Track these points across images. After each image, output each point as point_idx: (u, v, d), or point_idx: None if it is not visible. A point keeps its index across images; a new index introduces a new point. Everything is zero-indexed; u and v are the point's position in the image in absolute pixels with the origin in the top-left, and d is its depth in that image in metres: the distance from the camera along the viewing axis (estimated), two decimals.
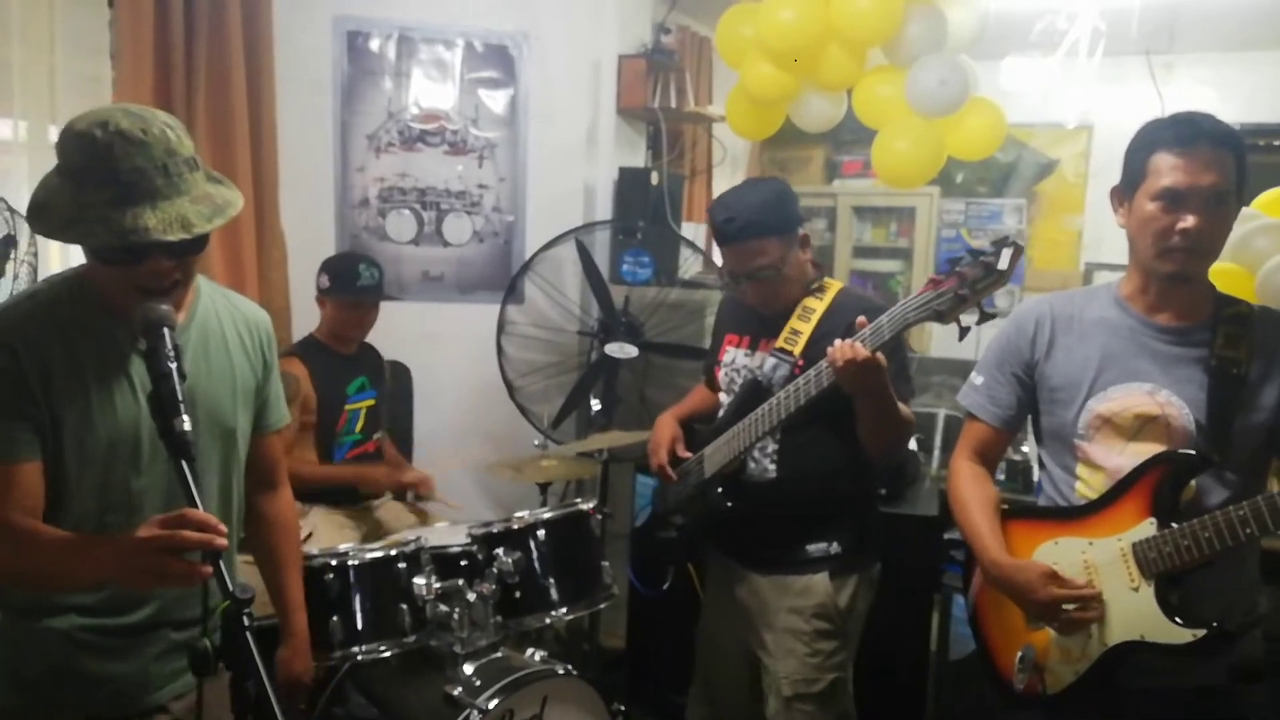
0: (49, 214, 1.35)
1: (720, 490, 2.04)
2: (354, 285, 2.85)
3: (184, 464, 1.28)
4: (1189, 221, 1.48)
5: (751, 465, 2.02)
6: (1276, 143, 4.52)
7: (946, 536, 2.57)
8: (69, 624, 1.45)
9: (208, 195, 1.39)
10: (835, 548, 1.98)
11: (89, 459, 1.42)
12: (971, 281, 1.53)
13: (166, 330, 1.37)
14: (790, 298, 2.00)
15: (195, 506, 1.26)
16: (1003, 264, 1.49)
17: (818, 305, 1.98)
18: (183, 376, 1.35)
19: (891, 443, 1.93)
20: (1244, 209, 2.77)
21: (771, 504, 2.00)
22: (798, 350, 1.94)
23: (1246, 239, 2.62)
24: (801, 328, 1.96)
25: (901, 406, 1.85)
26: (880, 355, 1.69)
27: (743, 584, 2.06)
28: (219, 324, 1.58)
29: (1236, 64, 4.36)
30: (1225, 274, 2.58)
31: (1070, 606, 1.54)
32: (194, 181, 1.37)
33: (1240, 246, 2.62)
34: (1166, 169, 1.49)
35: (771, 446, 1.99)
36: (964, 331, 1.61)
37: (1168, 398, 1.55)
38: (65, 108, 2.74)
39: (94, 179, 1.31)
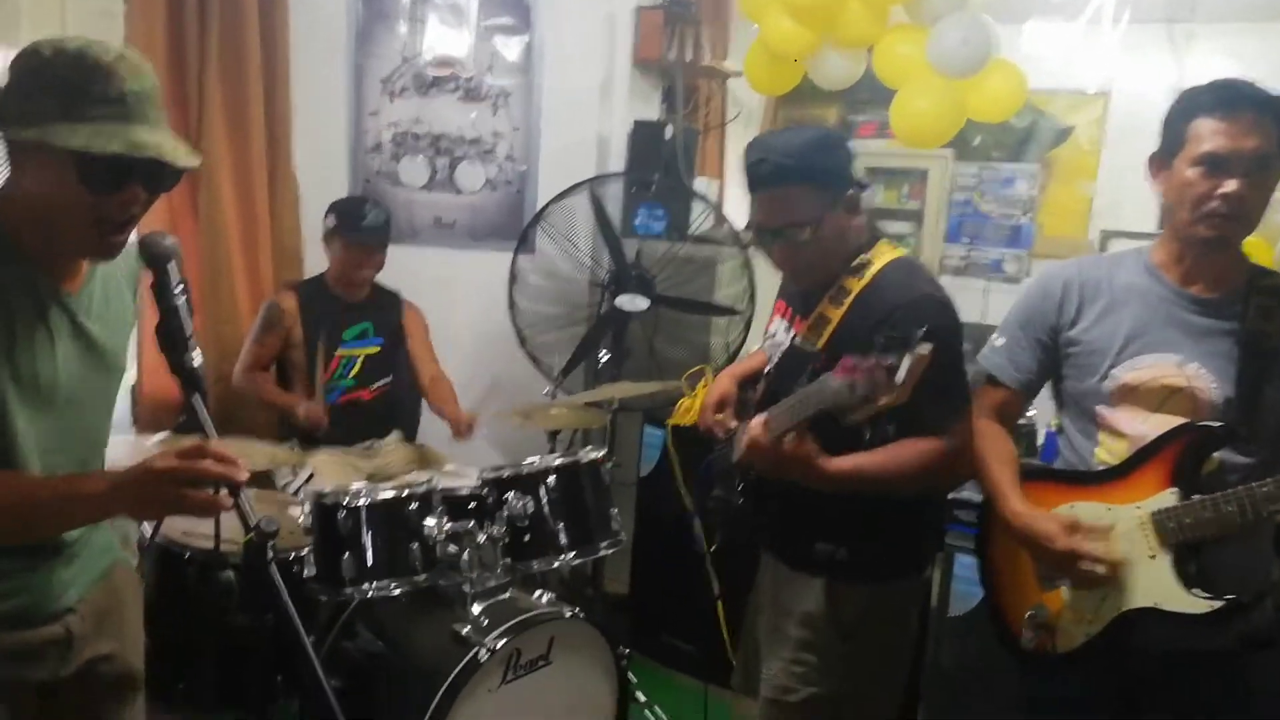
0: (30, 118, 1.23)
1: (740, 483, 1.85)
2: (358, 226, 2.85)
3: (199, 397, 1.29)
4: (1231, 186, 1.46)
5: None
6: None
7: (950, 496, 2.58)
8: None
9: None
10: (842, 553, 1.70)
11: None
12: (875, 382, 1.29)
13: (173, 263, 1.35)
14: (827, 271, 1.69)
15: (211, 439, 1.26)
16: (900, 374, 1.26)
17: (854, 286, 1.65)
18: (191, 310, 1.34)
19: (901, 492, 1.62)
20: None
21: (781, 497, 1.75)
22: (820, 343, 1.67)
23: (1269, 212, 2.61)
24: (831, 314, 1.66)
25: (903, 447, 1.58)
26: (795, 440, 1.45)
27: (764, 560, 1.92)
28: (111, 268, 1.48)
29: (1258, 35, 4.29)
30: (1246, 246, 2.58)
31: (1087, 563, 1.54)
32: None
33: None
34: (1207, 134, 1.48)
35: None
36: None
37: (1196, 370, 1.55)
38: None
39: (94, 96, 1.23)
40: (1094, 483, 1.63)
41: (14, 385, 1.31)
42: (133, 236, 1.38)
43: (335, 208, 2.91)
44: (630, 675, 2.39)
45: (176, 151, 1.29)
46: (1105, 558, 1.54)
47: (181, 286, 1.35)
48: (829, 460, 1.56)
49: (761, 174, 1.64)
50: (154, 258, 1.36)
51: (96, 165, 1.24)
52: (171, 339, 1.31)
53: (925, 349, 1.27)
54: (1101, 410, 1.64)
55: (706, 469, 2.06)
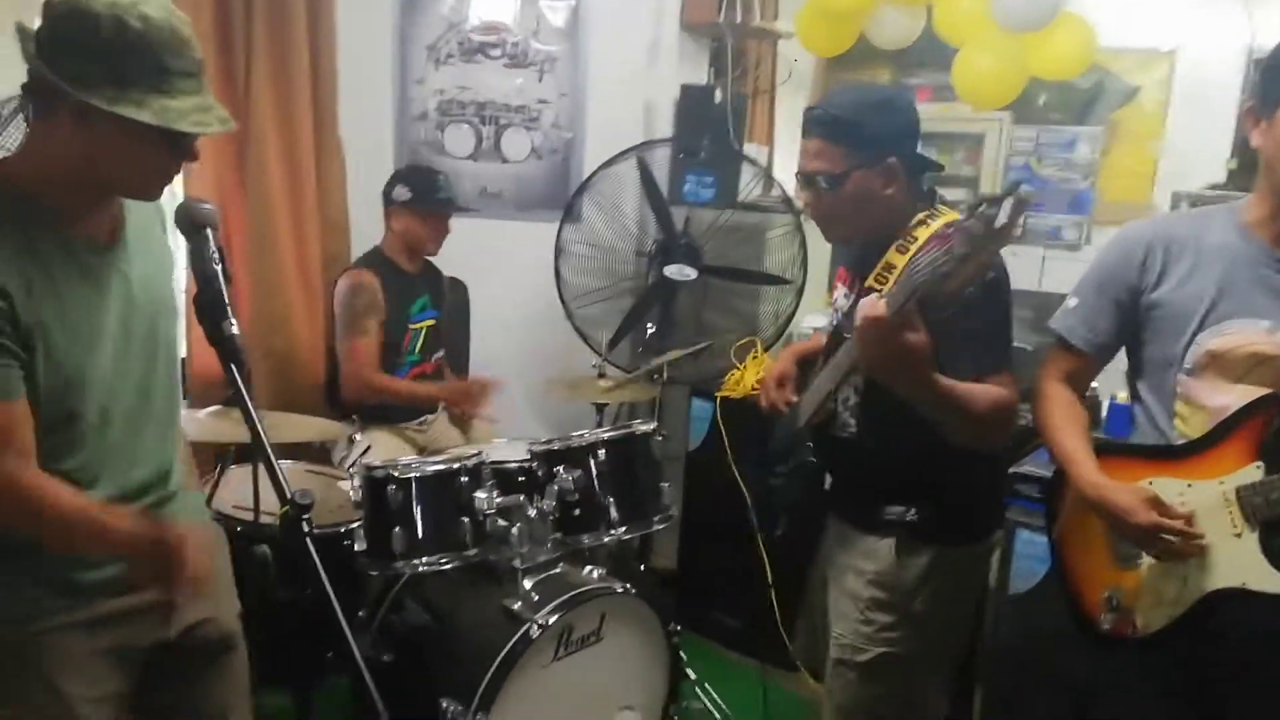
0: (112, 83, 1.22)
1: (809, 444, 1.89)
2: (435, 197, 2.83)
3: (234, 368, 1.27)
4: None
5: (836, 419, 1.81)
6: None
7: (1011, 470, 2.51)
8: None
9: None
10: (912, 514, 1.74)
11: (63, 375, 1.33)
12: (973, 238, 1.30)
13: (210, 230, 1.34)
14: (851, 227, 1.75)
15: (250, 413, 1.24)
16: (1001, 219, 1.26)
17: (922, 235, 1.64)
18: (228, 278, 1.32)
19: (969, 433, 1.60)
20: None
21: (851, 461, 1.82)
22: (889, 286, 1.62)
23: None
24: (897, 261, 1.65)
25: (986, 388, 1.57)
26: (906, 321, 1.41)
27: (831, 528, 1.93)
28: (139, 213, 1.48)
29: None
30: None
31: (1170, 537, 1.48)
32: None
33: None
34: None
35: (854, 399, 1.77)
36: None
37: None
38: None
39: (178, 69, 1.25)
40: (1172, 457, 1.56)
41: (75, 346, 1.32)
42: None
43: (406, 179, 2.86)
44: (681, 653, 2.36)
45: (230, 120, 1.33)
46: (1189, 531, 1.47)
47: (218, 254, 1.33)
48: (935, 371, 1.50)
49: (808, 121, 1.71)
50: (192, 225, 1.35)
51: (185, 136, 1.29)
52: (209, 307, 1.30)
53: (1024, 190, 1.27)
54: (1183, 379, 1.55)
55: (770, 449, 2.04)
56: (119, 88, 1.22)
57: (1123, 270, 1.62)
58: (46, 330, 1.29)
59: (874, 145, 1.65)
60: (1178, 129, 4.16)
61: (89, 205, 1.36)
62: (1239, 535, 1.45)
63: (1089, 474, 1.59)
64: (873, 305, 1.43)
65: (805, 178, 1.71)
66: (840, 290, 1.88)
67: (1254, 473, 1.45)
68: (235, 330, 1.30)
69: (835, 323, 1.88)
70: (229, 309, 1.31)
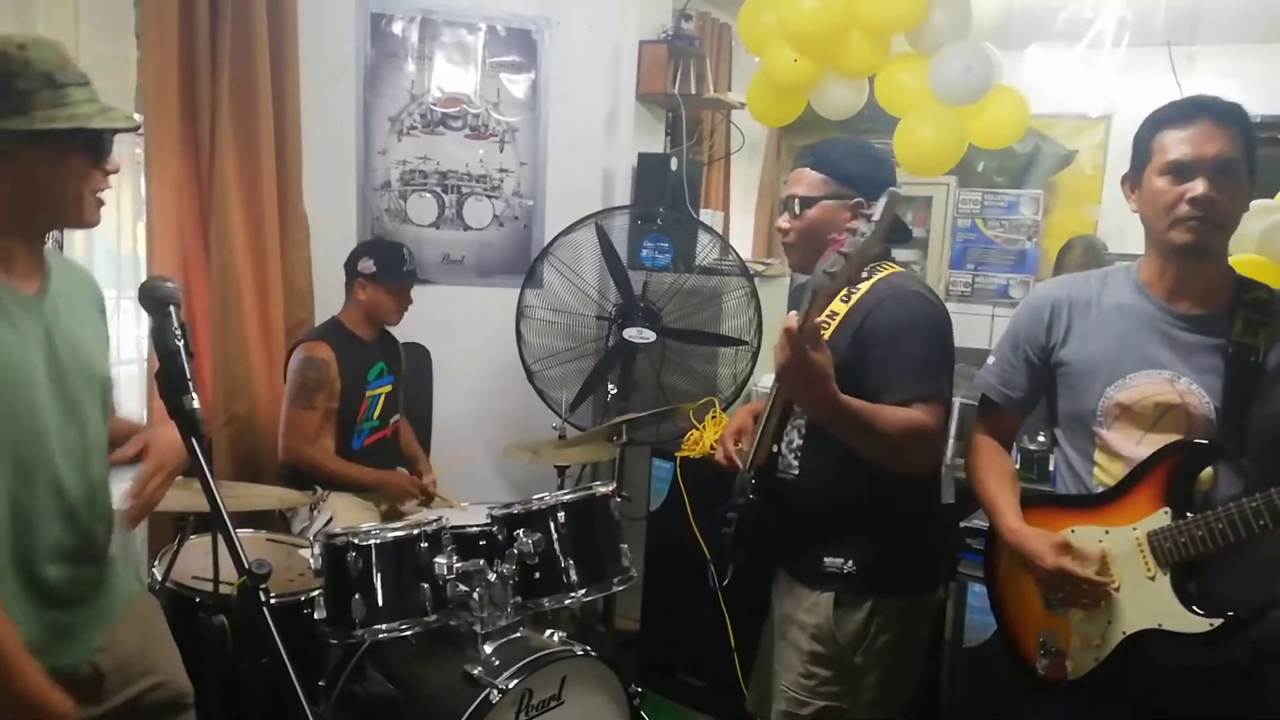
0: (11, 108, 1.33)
1: (752, 482, 1.89)
2: (401, 270, 2.91)
3: (195, 442, 1.30)
4: (1198, 189, 1.48)
5: (780, 460, 1.86)
6: None
7: (962, 525, 2.57)
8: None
9: None
10: (850, 566, 1.77)
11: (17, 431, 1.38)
12: (857, 238, 1.43)
13: (173, 308, 1.38)
14: (811, 253, 1.82)
15: (209, 484, 1.26)
16: (876, 214, 1.41)
17: (861, 288, 1.75)
18: (190, 354, 1.36)
19: (881, 453, 1.66)
20: (1269, 201, 2.77)
21: (793, 505, 1.83)
22: (826, 335, 1.73)
23: (1272, 231, 2.61)
24: (839, 309, 1.76)
25: (896, 410, 1.64)
26: (811, 337, 1.51)
27: (777, 579, 1.96)
28: (71, 281, 1.55)
29: (1258, 56, 4.31)
30: (1252, 266, 2.57)
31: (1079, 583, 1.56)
32: None
33: (1267, 238, 2.61)
34: (1171, 144, 1.51)
35: (797, 441, 1.83)
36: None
37: (1187, 386, 1.55)
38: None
39: (71, 80, 1.36)
40: (1091, 506, 1.64)
41: (25, 393, 1.36)
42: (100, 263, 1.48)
43: (371, 253, 2.92)
44: (643, 714, 2.37)
45: (134, 118, 1.46)
46: (1092, 578, 1.55)
47: (180, 331, 1.37)
48: (836, 386, 1.58)
49: (797, 155, 1.90)
50: (155, 302, 1.38)
51: (102, 141, 1.40)
52: (170, 383, 1.33)
53: (896, 190, 1.43)
54: (1097, 431, 1.64)
55: (723, 508, 2.07)
56: (22, 113, 1.33)
57: (1032, 330, 1.72)
58: None
59: (846, 181, 1.81)
60: (1114, 191, 4.36)
61: (14, 245, 1.42)
62: (1153, 578, 1.53)
63: (1008, 521, 1.68)
64: (789, 320, 1.53)
65: (784, 202, 1.87)
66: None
67: (1163, 518, 1.53)
68: (196, 405, 1.34)
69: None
70: (190, 384, 1.35)
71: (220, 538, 1.35)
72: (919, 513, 1.83)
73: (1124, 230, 4.13)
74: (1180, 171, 1.50)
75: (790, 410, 1.77)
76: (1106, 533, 1.59)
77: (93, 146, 1.40)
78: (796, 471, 1.84)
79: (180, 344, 1.36)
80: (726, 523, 1.96)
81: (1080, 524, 1.63)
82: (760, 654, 2.09)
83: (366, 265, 2.88)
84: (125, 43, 2.85)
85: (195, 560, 2.18)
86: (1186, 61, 4.15)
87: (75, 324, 1.50)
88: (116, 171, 1.45)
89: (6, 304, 1.39)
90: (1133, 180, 1.60)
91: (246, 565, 1.22)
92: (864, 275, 1.73)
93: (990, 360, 1.81)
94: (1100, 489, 1.64)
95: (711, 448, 2.99)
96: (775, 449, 1.84)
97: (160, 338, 1.38)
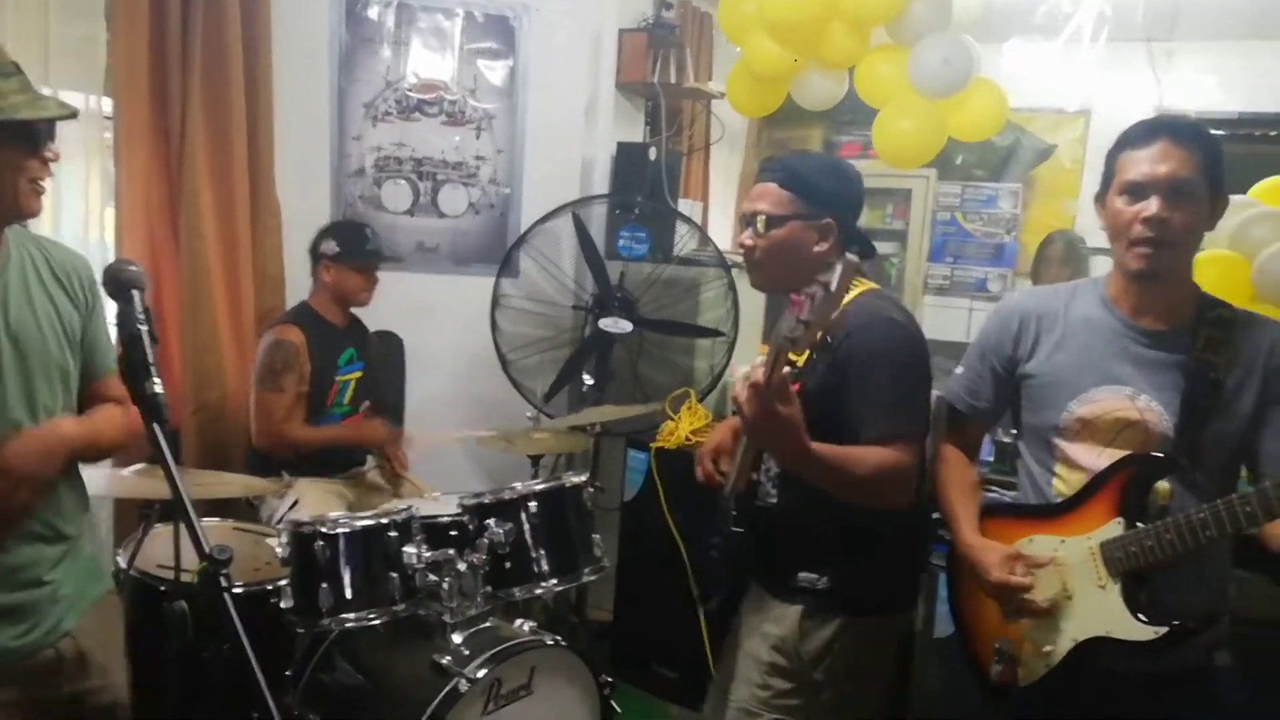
0: None
1: (734, 513, 1.89)
2: (364, 249, 2.88)
3: (157, 427, 1.29)
4: (1150, 209, 1.49)
5: (759, 488, 1.83)
6: (1274, 133, 4.52)
7: (935, 515, 2.57)
8: None
9: None
10: (823, 582, 1.74)
11: None
12: (814, 303, 1.37)
13: (136, 292, 1.37)
14: (784, 278, 1.75)
15: (170, 469, 1.24)
16: (834, 283, 1.34)
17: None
18: (154, 339, 1.35)
19: (855, 496, 1.62)
20: (1242, 197, 2.78)
21: (771, 529, 1.82)
22: (800, 359, 1.69)
23: (1245, 227, 2.62)
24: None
25: (869, 451, 1.60)
26: (778, 391, 1.45)
27: (748, 592, 1.93)
28: (34, 267, 1.54)
29: (1237, 53, 4.33)
30: (1223, 261, 2.58)
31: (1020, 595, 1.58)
32: None
33: (1238, 234, 2.63)
34: (1129, 164, 1.52)
35: (774, 470, 1.80)
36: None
37: (1147, 403, 1.56)
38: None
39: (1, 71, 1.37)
40: (1049, 516, 1.65)
41: None
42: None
43: (335, 233, 2.90)
44: (614, 704, 2.36)
45: (65, 107, 1.44)
46: (1033, 590, 1.58)
47: (144, 315, 1.36)
48: (807, 435, 1.54)
49: (762, 168, 1.81)
50: (118, 286, 1.37)
51: (35, 131, 1.40)
52: (132, 368, 1.32)
53: (852, 258, 1.37)
54: (1059, 443, 1.65)
55: (708, 519, 2.06)
56: None
57: (999, 342, 1.73)
58: None
59: (817, 201, 1.73)
60: (1093, 185, 4.37)
61: None
62: (1104, 587, 1.55)
63: (963, 534, 1.71)
64: (756, 372, 1.47)
65: (747, 218, 1.78)
66: (759, 359, 1.91)
67: (1115, 528, 1.54)
68: (159, 389, 1.33)
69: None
70: (152, 369, 1.34)
71: (182, 525, 1.33)
72: (900, 537, 1.79)
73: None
74: (1135, 191, 1.51)
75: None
76: (1062, 542, 1.61)
77: (24, 136, 1.39)
78: (775, 500, 1.81)
79: (144, 329, 1.36)
80: (713, 546, 1.97)
81: (1038, 533, 1.65)
82: (723, 663, 2.04)
83: (329, 246, 2.86)
84: (95, 24, 2.80)
85: (160, 549, 2.14)
86: (1165, 57, 4.18)
87: (24, 306, 1.49)
88: (56, 159, 1.45)
89: None
90: (1101, 200, 1.61)
91: (207, 551, 1.21)
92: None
93: (958, 370, 1.81)
94: (1059, 499, 1.65)
95: (687, 439, 2.98)
96: (754, 476, 1.82)
97: (123, 322, 1.37)
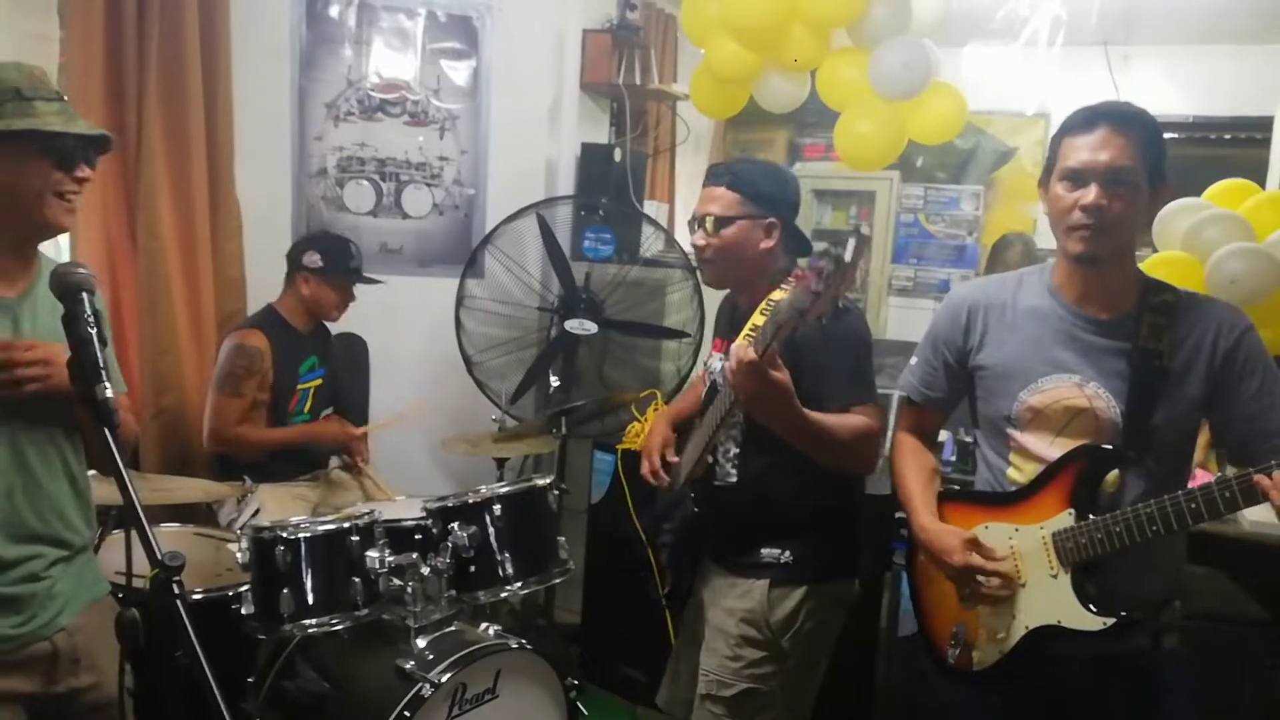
0: None
1: (692, 495, 2.00)
2: (348, 266, 2.87)
3: (107, 431, 1.28)
4: (1089, 196, 1.50)
5: (717, 469, 1.95)
6: (1228, 136, 4.62)
7: (898, 515, 2.60)
8: None
9: None
10: (786, 556, 1.88)
11: None
12: (825, 276, 1.43)
13: (86, 295, 1.36)
14: (725, 271, 1.92)
15: (121, 474, 1.24)
16: (847, 255, 1.41)
17: (780, 297, 1.82)
18: (104, 342, 1.35)
19: (835, 459, 1.76)
20: (1195, 200, 2.84)
21: (732, 508, 1.94)
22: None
23: (1197, 229, 2.68)
24: (760, 322, 1.78)
25: (847, 417, 1.74)
26: (771, 361, 1.55)
27: (704, 575, 2.03)
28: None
29: (1192, 57, 4.43)
30: (1176, 263, 2.64)
31: (984, 578, 1.60)
32: None
33: (1191, 236, 2.68)
34: (1070, 150, 1.54)
35: (734, 450, 1.92)
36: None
37: (1095, 390, 1.58)
38: None
39: (41, 94, 1.45)
40: (1004, 504, 1.67)
41: None
42: None
43: (319, 246, 2.86)
44: (580, 706, 2.36)
45: (100, 129, 1.51)
46: (995, 573, 1.59)
47: (93, 318, 1.35)
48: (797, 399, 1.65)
49: (709, 174, 1.93)
50: (66, 288, 1.37)
51: (66, 147, 1.45)
52: (83, 371, 1.31)
53: (865, 229, 1.51)
54: (1012, 433, 1.67)
55: (652, 511, 2.13)
56: (25, 121, 1.42)
57: (950, 333, 1.76)
58: None
59: (761, 201, 1.86)
60: None
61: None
62: (1055, 576, 1.57)
63: (920, 518, 1.73)
64: (744, 350, 1.57)
65: (698, 220, 1.90)
66: (716, 356, 2.02)
67: (1067, 519, 1.56)
68: (109, 394, 1.31)
69: (709, 384, 2.01)
70: (103, 373, 1.32)
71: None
72: (847, 507, 1.96)
73: None
74: (1075, 178, 1.53)
75: (724, 423, 1.81)
76: (1016, 530, 1.63)
77: (56, 151, 1.45)
78: (734, 478, 1.92)
79: (93, 332, 1.34)
80: (664, 533, 2.06)
81: (993, 520, 1.67)
82: (674, 653, 2.16)
83: (312, 259, 2.82)
84: (47, 21, 2.75)
85: (115, 555, 2.11)
86: (1122, 61, 4.25)
87: (51, 327, 1.48)
88: (88, 179, 1.50)
89: None
90: (1044, 186, 1.62)
91: (159, 557, 1.19)
92: (780, 288, 1.77)
93: (913, 361, 1.84)
94: (1014, 488, 1.68)
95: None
96: (710, 459, 1.93)
97: (73, 325, 1.35)
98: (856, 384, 1.80)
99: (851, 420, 1.75)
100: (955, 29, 3.30)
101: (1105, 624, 1.50)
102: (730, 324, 1.99)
